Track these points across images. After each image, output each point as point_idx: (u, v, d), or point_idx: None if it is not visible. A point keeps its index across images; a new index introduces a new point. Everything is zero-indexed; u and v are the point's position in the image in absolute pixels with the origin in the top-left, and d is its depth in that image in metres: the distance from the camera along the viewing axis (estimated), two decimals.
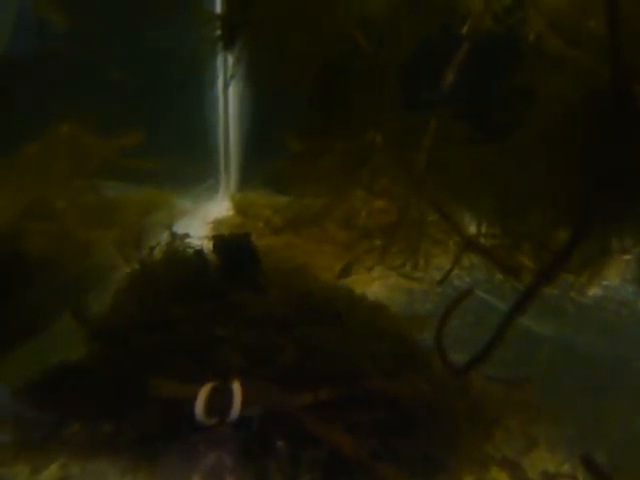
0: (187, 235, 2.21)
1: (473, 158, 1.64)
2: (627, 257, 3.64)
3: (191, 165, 3.59)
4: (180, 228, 2.21)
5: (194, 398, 1.36)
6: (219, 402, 1.36)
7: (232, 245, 2.12)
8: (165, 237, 2.13)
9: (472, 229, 1.93)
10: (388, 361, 1.59)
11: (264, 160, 3.51)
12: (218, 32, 1.56)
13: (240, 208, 3.49)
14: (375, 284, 2.69)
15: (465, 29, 2.02)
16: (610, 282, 3.16)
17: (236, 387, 1.38)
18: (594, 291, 3.01)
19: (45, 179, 2.98)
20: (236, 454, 1.36)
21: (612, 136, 1.17)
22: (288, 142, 3.21)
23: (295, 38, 1.56)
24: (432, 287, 2.74)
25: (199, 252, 2.09)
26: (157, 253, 2.04)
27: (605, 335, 2.44)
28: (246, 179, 3.85)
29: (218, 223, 3.25)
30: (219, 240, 2.14)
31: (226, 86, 3.61)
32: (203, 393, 1.36)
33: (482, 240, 1.88)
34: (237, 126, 3.83)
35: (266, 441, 1.36)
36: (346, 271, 2.56)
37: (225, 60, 3.67)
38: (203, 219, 3.26)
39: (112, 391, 1.43)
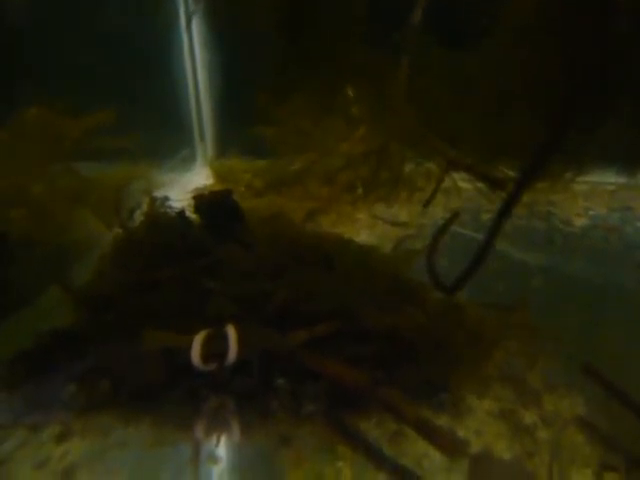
0: (167, 198, 2.17)
1: (450, 74, 1.61)
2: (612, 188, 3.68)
3: (165, 137, 3.53)
4: None
5: (190, 346, 1.34)
6: (215, 347, 1.35)
7: (214, 203, 2.09)
8: (145, 202, 2.09)
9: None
10: (383, 297, 1.58)
11: (239, 125, 3.47)
12: None
13: (220, 175, 3.45)
14: (362, 233, 2.67)
15: None
16: (597, 212, 3.19)
17: (231, 331, 1.36)
18: (581, 221, 3.03)
19: (19, 165, 2.91)
20: (238, 396, 1.35)
21: (587, 29, 1.15)
22: (257, 99, 3.17)
23: None
24: (419, 232, 2.74)
25: (181, 213, 2.06)
26: (138, 217, 2.01)
27: (595, 261, 2.46)
28: (223, 146, 3.80)
29: (198, 192, 3.20)
30: (200, 199, 2.11)
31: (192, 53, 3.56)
32: (198, 340, 1.35)
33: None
34: (208, 93, 3.77)
35: (266, 380, 1.35)
36: (311, 216, 2.53)
37: (188, 26, 3.62)
38: (182, 189, 3.21)
39: (105, 351, 1.41)
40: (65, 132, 3.10)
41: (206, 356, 1.34)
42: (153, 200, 2.09)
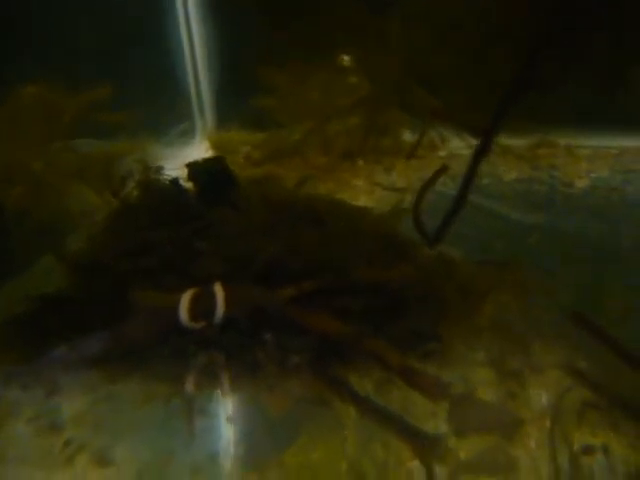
0: (161, 167, 2.17)
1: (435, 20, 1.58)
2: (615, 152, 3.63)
3: (163, 112, 3.51)
4: None
5: (177, 305, 1.35)
6: (203, 305, 1.35)
7: (207, 169, 2.08)
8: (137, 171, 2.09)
9: None
10: (373, 253, 1.57)
11: (239, 97, 3.45)
12: None
13: (218, 147, 3.44)
14: (360, 199, 2.66)
15: None
16: (599, 174, 3.15)
17: (218, 289, 1.37)
18: (583, 182, 2.99)
19: (17, 143, 2.91)
20: (226, 351, 1.36)
21: None
22: (258, 73, 3.16)
23: None
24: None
25: (174, 181, 2.06)
26: (131, 186, 2.01)
27: (596, 218, 2.43)
28: (223, 119, 3.76)
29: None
30: (193, 166, 2.10)
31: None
32: (186, 298, 1.35)
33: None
34: (206, 65, 3.74)
35: (254, 336, 1.36)
36: (304, 182, 2.51)
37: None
38: (181, 162, 3.19)
39: (95, 312, 1.42)
40: (63, 109, 3.09)
41: (194, 314, 1.34)
42: (146, 168, 2.09)
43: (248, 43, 3.36)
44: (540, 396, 1.23)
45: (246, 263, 1.49)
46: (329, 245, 1.55)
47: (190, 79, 3.76)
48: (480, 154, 1.46)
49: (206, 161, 2.15)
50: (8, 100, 2.91)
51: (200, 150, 3.57)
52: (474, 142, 3.26)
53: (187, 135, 3.70)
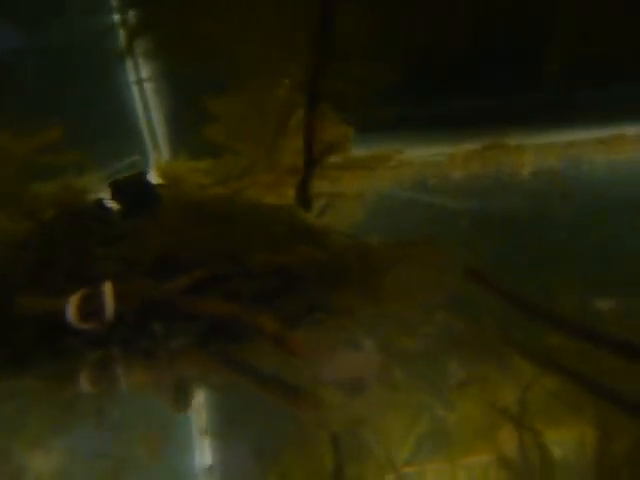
0: (86, 190, 2.18)
1: None
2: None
3: (111, 146, 3.52)
4: None
5: (65, 307, 1.32)
6: (92, 305, 1.33)
7: (129, 186, 2.09)
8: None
9: None
10: (279, 242, 1.56)
11: (192, 128, 3.45)
12: None
13: (168, 177, 3.43)
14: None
15: None
16: (544, 163, 3.15)
17: (107, 288, 1.34)
18: (526, 170, 3.00)
19: None
20: (119, 347, 1.33)
21: None
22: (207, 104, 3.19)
23: None
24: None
25: (98, 201, 2.05)
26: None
27: (531, 201, 2.42)
28: (177, 150, 3.76)
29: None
30: (115, 185, 2.10)
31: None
32: (74, 300, 1.33)
33: None
34: (158, 97, 3.75)
35: (144, 328, 1.33)
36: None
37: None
38: None
39: None
40: (12, 152, 3.08)
41: (83, 314, 1.32)
42: (65, 190, 2.09)
43: (197, 73, 3.39)
44: None
45: (140, 262, 1.47)
46: (231, 237, 1.53)
47: (140, 112, 3.78)
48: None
49: (127, 178, 2.15)
50: None
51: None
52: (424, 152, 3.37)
53: (137, 168, 3.69)
